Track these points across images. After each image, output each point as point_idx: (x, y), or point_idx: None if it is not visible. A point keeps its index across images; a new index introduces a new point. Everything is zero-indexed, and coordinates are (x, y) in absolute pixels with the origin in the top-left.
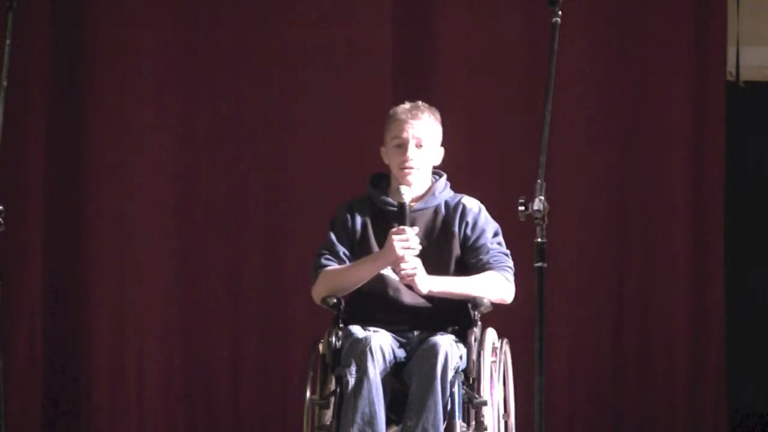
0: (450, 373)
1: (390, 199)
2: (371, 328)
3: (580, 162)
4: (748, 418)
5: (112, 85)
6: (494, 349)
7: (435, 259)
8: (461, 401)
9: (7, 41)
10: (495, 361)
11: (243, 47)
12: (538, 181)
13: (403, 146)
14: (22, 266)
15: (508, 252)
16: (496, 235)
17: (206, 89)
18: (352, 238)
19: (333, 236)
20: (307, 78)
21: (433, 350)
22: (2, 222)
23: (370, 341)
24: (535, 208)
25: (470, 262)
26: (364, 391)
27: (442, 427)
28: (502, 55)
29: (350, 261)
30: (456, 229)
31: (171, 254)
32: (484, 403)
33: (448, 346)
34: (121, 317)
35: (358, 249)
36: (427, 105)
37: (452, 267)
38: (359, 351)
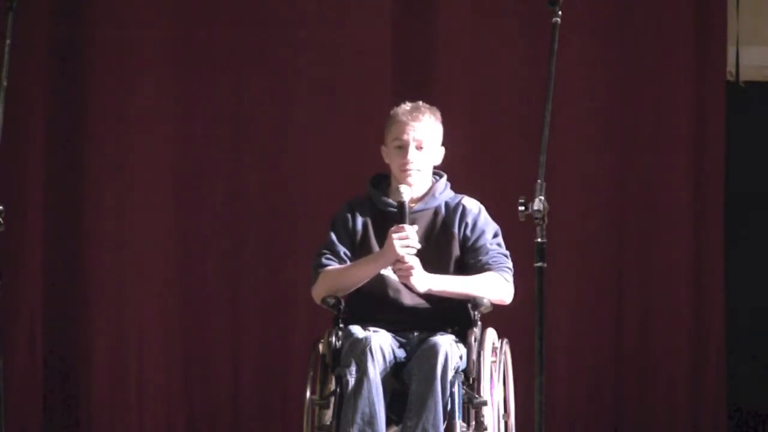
0: (450, 374)
1: (390, 200)
2: (371, 328)
3: (580, 162)
4: (748, 418)
5: (112, 85)
6: (494, 349)
7: (435, 260)
8: (461, 401)
9: (7, 41)
10: (495, 361)
11: (243, 47)
12: (538, 181)
13: (403, 148)
14: (22, 266)
15: (507, 253)
16: (495, 236)
17: (206, 89)
18: (353, 238)
19: (333, 236)
20: (306, 78)
21: (433, 350)
22: (2, 222)
23: (370, 341)
24: (535, 208)
25: (469, 263)
26: (364, 391)
27: (442, 427)
28: (502, 55)
29: (351, 261)
30: (456, 229)
31: (171, 254)
32: (484, 403)
33: (448, 347)
34: (121, 317)
35: (359, 249)
36: (428, 105)
37: (452, 267)
38: (359, 351)
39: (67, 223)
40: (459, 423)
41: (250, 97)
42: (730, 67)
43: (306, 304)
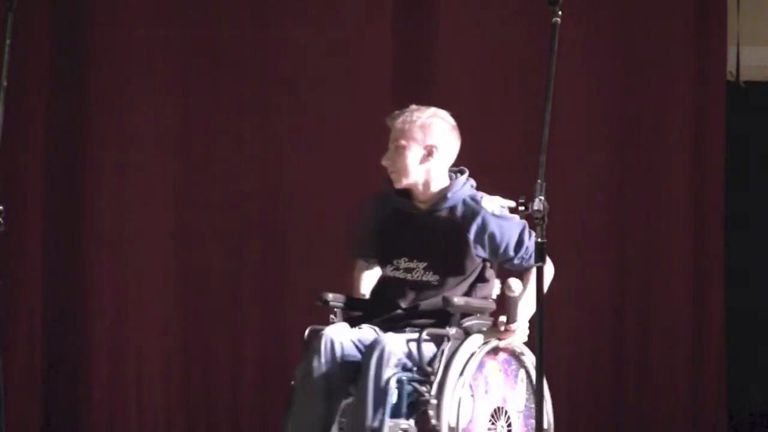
0: (387, 370)
1: (402, 199)
2: (364, 326)
3: (580, 162)
4: (748, 418)
5: (112, 85)
6: (495, 351)
7: (449, 261)
8: (407, 399)
9: (7, 41)
10: (496, 364)
11: (243, 47)
12: (538, 181)
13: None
14: (22, 266)
15: (532, 234)
16: (522, 231)
17: (206, 89)
18: (376, 230)
19: (360, 224)
20: (306, 78)
21: (372, 347)
22: (2, 222)
23: (321, 337)
24: (535, 208)
25: (511, 266)
26: (306, 390)
27: (370, 421)
28: (503, 55)
29: (370, 256)
30: (471, 236)
31: (171, 254)
32: (428, 403)
33: (389, 343)
34: (121, 317)
35: (377, 242)
36: (416, 107)
37: (467, 269)
38: (311, 349)
39: (67, 223)
40: (388, 420)
41: (250, 97)
42: (730, 67)
43: (306, 303)
